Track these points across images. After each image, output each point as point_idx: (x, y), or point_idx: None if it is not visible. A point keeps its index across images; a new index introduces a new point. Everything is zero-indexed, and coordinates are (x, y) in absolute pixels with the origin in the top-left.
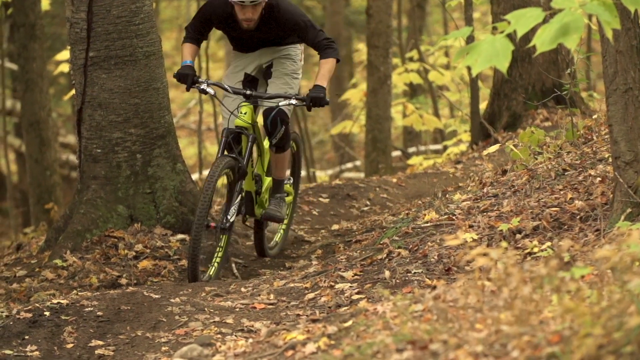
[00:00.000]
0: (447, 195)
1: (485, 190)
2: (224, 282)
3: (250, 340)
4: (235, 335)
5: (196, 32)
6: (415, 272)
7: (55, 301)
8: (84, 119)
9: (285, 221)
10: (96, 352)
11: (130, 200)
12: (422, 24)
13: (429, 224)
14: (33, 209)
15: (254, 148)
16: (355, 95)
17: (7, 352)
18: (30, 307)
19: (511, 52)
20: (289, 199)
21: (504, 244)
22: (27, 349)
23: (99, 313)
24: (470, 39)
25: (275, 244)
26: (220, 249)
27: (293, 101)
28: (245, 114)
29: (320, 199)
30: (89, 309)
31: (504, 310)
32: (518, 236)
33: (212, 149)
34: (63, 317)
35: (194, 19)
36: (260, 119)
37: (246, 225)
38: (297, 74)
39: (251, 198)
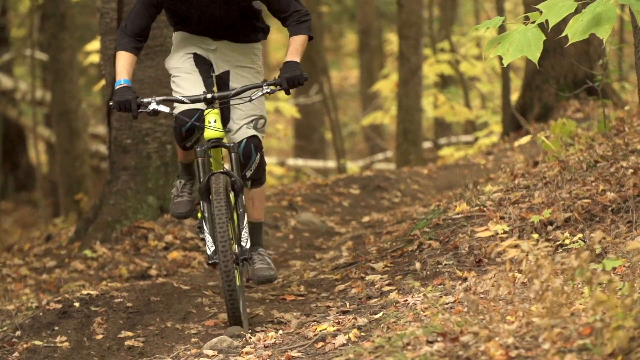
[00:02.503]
0: (478, 187)
1: (516, 181)
2: None
3: (280, 331)
4: (265, 327)
5: (137, 29)
6: (446, 264)
7: (84, 292)
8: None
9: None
10: (126, 343)
11: (161, 191)
12: (454, 15)
13: (459, 216)
14: (63, 199)
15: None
16: (386, 86)
17: (37, 342)
18: (59, 298)
19: (543, 42)
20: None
21: (535, 235)
22: (56, 340)
23: (129, 304)
24: (501, 29)
25: None
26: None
27: (266, 89)
28: (215, 121)
29: (351, 190)
30: (119, 300)
31: (535, 302)
32: (549, 228)
33: None
34: (93, 308)
35: (134, 10)
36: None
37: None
38: (260, 73)
39: None
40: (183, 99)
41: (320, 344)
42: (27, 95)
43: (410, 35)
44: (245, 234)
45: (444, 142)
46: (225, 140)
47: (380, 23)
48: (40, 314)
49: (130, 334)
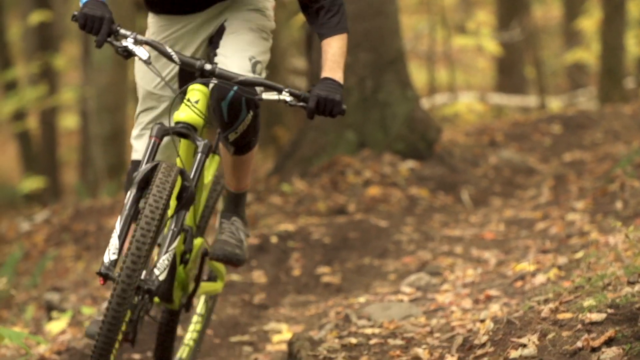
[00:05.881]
0: None
1: None
2: (453, 211)
3: (479, 270)
4: (464, 265)
5: None
6: None
7: (282, 227)
8: (314, 44)
9: (197, 327)
10: (322, 279)
11: (360, 126)
12: None
13: None
14: (262, 133)
15: None
16: (589, 23)
17: (235, 278)
18: (257, 233)
19: None
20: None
21: None
22: (253, 275)
23: (326, 240)
24: None
25: None
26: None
27: (285, 96)
28: (197, 102)
29: (552, 128)
30: (316, 236)
31: None
32: None
33: (443, 75)
34: (290, 244)
35: None
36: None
37: (148, 316)
38: (268, 33)
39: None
40: (173, 55)
41: (520, 282)
42: None
43: None
44: (166, 261)
45: None
46: (199, 133)
47: None
48: None
49: (327, 270)
